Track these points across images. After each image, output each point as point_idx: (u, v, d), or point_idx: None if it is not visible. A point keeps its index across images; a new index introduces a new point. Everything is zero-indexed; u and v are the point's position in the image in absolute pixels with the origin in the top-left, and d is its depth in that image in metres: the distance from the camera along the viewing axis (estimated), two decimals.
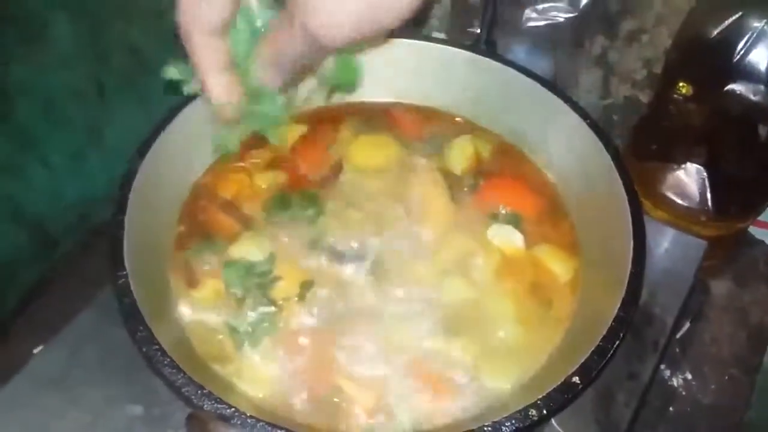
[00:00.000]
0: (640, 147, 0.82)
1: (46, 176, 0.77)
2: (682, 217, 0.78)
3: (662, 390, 0.79)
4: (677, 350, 0.82)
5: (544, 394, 0.47)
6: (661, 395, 0.79)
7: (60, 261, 0.81)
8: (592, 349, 0.49)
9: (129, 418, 0.57)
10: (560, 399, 0.47)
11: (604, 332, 0.50)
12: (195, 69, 0.48)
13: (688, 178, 0.76)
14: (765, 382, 0.88)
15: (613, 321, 0.51)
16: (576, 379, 0.48)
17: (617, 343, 0.50)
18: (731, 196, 0.77)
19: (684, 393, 0.79)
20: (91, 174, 0.82)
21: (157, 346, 0.48)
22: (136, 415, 0.58)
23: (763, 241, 0.91)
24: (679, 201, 0.78)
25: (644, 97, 0.91)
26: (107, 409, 0.58)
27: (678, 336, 0.83)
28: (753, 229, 0.91)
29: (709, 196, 0.76)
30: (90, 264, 0.79)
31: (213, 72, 0.48)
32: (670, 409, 0.78)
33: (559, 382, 0.48)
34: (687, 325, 0.84)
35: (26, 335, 0.74)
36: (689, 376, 0.80)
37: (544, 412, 0.47)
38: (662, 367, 0.80)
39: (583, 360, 0.49)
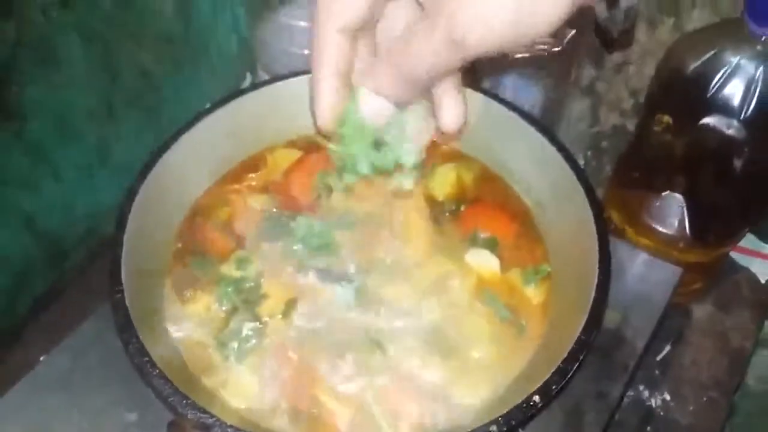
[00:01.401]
0: (624, 175, 0.85)
1: (58, 190, 0.81)
2: (662, 244, 0.81)
3: (640, 410, 0.81)
4: (657, 372, 0.84)
5: (505, 412, 0.50)
6: (639, 415, 0.81)
7: (70, 271, 0.86)
8: (553, 370, 0.52)
9: (125, 424, 0.61)
10: (520, 416, 0.50)
11: (565, 354, 0.53)
12: (312, 70, 0.45)
13: (668, 207, 0.79)
14: (745, 405, 0.91)
15: (575, 344, 0.54)
16: (536, 398, 0.51)
17: (576, 365, 0.53)
18: (709, 224, 0.79)
19: (662, 413, 0.81)
20: (100, 188, 0.86)
21: (147, 358, 0.52)
22: (132, 421, 0.61)
23: (746, 268, 0.93)
24: (660, 228, 0.81)
25: (632, 126, 0.94)
26: (106, 414, 0.61)
27: (658, 358, 0.85)
28: (737, 255, 0.93)
29: (687, 224, 0.79)
30: (97, 274, 0.83)
31: (329, 75, 0.44)
32: (648, 428, 0.80)
33: (520, 401, 0.51)
34: (668, 347, 0.86)
35: (35, 342, 0.78)
36: (668, 397, 0.82)
37: (504, 428, 0.50)
38: (641, 387, 0.83)
39: (544, 380, 0.52)
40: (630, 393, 0.82)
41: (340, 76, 0.44)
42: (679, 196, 0.78)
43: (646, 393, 0.82)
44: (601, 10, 0.56)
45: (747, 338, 0.88)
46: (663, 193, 0.78)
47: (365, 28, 0.45)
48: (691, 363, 0.85)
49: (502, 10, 0.38)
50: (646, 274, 0.73)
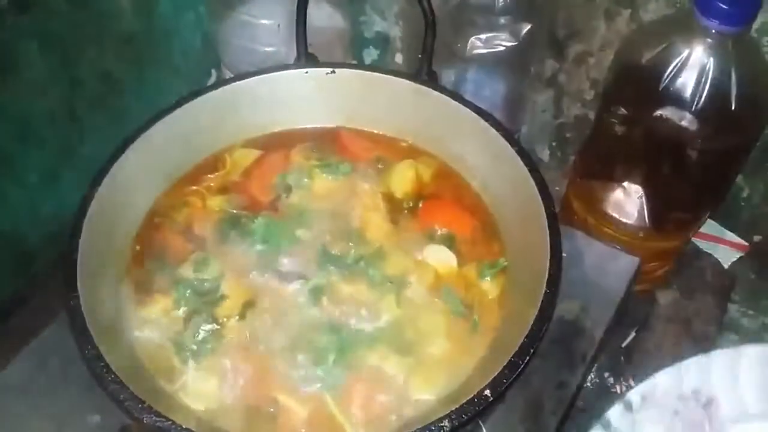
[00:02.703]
0: (584, 166, 0.86)
1: (22, 195, 0.81)
2: (623, 233, 0.82)
3: (605, 396, 0.83)
4: (622, 358, 0.86)
5: (457, 406, 0.51)
6: (604, 401, 0.82)
7: (36, 277, 0.85)
8: (504, 363, 0.53)
9: (88, 427, 0.62)
10: (471, 411, 0.51)
11: (516, 348, 0.54)
12: None
13: (627, 197, 0.80)
14: None
15: (525, 337, 0.55)
16: (487, 392, 0.52)
17: (527, 358, 0.54)
18: (667, 212, 0.80)
19: None
20: (65, 192, 0.85)
21: (103, 364, 0.52)
22: (94, 424, 0.62)
23: (709, 254, 0.95)
24: (620, 218, 0.82)
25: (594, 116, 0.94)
26: (69, 418, 0.62)
27: (623, 345, 0.87)
28: (699, 242, 0.95)
29: (646, 213, 0.80)
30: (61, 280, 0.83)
31: None
32: None
33: (471, 395, 0.52)
34: (633, 334, 0.88)
35: (3, 346, 0.79)
36: (632, 383, 0.83)
37: (456, 423, 0.51)
38: (606, 374, 0.84)
39: (495, 374, 0.53)
40: (595, 380, 0.83)
41: None
42: (637, 186, 0.79)
43: (611, 380, 0.83)
44: None
45: (711, 323, 0.89)
46: (622, 184, 0.80)
47: None
48: (656, 349, 0.87)
49: None
50: (604, 264, 0.74)
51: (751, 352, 0.65)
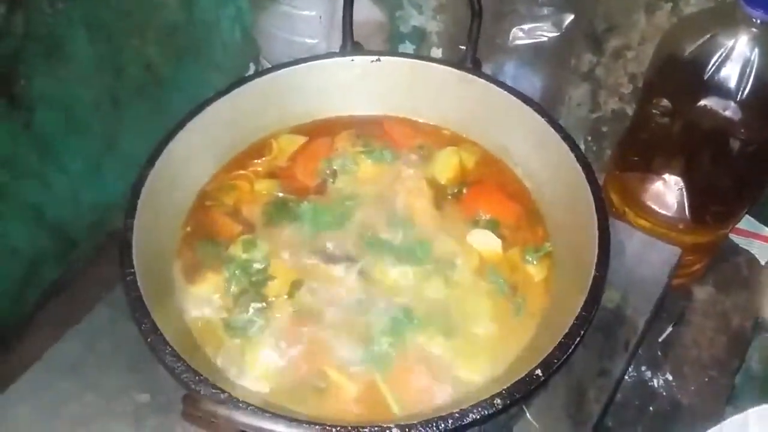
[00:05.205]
0: (623, 159, 0.86)
1: (66, 182, 0.83)
2: (662, 225, 0.82)
3: (643, 390, 0.83)
4: (659, 353, 0.86)
5: (509, 385, 0.52)
6: (642, 395, 0.82)
7: (78, 261, 0.87)
8: (555, 345, 0.54)
9: (137, 405, 0.63)
10: (523, 390, 0.52)
11: (567, 330, 0.54)
12: None
13: (667, 189, 0.80)
14: (748, 387, 0.92)
15: (575, 320, 0.55)
16: (539, 371, 0.52)
17: (578, 340, 0.54)
18: (707, 205, 0.80)
19: (664, 393, 0.83)
20: (106, 180, 0.87)
21: (160, 336, 0.53)
22: (144, 402, 0.63)
23: (745, 250, 0.95)
24: (659, 210, 0.82)
25: (631, 110, 0.95)
26: (118, 396, 0.63)
27: (660, 339, 0.87)
28: (735, 238, 0.94)
29: (686, 205, 0.80)
30: (105, 263, 0.85)
31: None
32: (650, 408, 0.82)
33: (522, 375, 0.52)
34: (669, 329, 0.88)
35: (45, 330, 0.80)
36: (670, 377, 0.84)
37: (508, 401, 0.51)
38: (643, 368, 0.84)
39: (546, 355, 0.53)
40: (633, 373, 0.83)
41: None
42: (677, 178, 0.79)
43: (649, 373, 0.84)
44: None
45: (747, 319, 0.89)
46: (662, 176, 0.80)
47: None
48: (693, 343, 0.87)
49: None
50: (645, 254, 0.74)
51: None
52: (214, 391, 0.51)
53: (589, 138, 1.02)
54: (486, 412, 0.50)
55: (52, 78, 0.77)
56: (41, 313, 0.83)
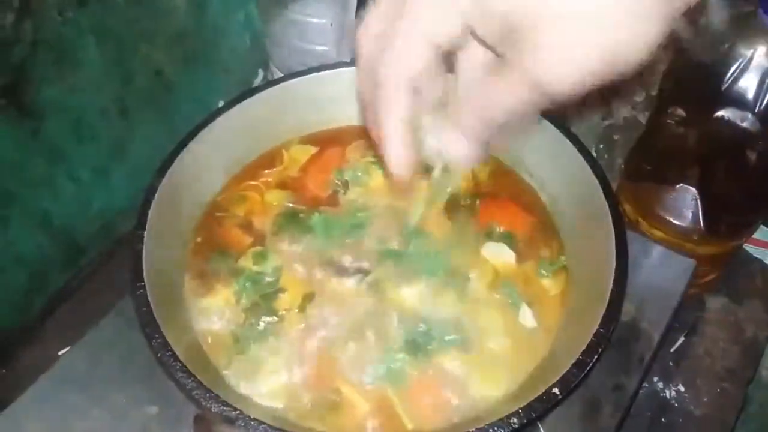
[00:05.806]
0: (636, 168, 0.85)
1: (74, 189, 0.82)
2: (676, 236, 0.81)
3: (655, 401, 0.82)
4: (671, 363, 0.85)
5: (526, 404, 0.51)
6: (654, 406, 0.81)
7: (85, 269, 0.86)
8: (573, 362, 0.53)
9: (146, 418, 0.62)
10: (540, 408, 0.51)
11: (584, 347, 0.53)
12: (376, 123, 0.44)
13: (681, 199, 0.79)
14: (759, 396, 0.91)
15: (593, 336, 0.54)
16: (556, 390, 0.52)
17: (596, 357, 0.53)
18: (722, 216, 0.79)
19: (676, 404, 0.82)
20: (115, 187, 0.86)
21: (170, 352, 0.52)
22: (153, 415, 0.62)
23: (759, 259, 0.94)
24: (673, 220, 0.81)
25: (643, 119, 0.93)
26: (126, 409, 0.62)
27: (672, 349, 0.86)
28: (749, 248, 0.93)
29: (701, 216, 0.79)
30: (113, 272, 0.84)
31: (399, 125, 0.43)
32: (663, 419, 0.81)
33: (540, 393, 0.52)
34: (681, 339, 0.87)
35: (52, 338, 0.79)
36: (682, 388, 0.83)
37: (525, 420, 0.50)
38: (655, 379, 0.83)
39: (563, 372, 0.53)
40: (645, 385, 0.82)
41: (408, 125, 0.43)
42: (692, 189, 0.78)
43: (661, 384, 0.83)
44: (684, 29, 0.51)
45: (760, 329, 0.88)
46: (676, 186, 0.79)
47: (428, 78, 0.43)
48: (705, 354, 0.86)
49: (592, 50, 0.36)
50: (660, 266, 0.73)
51: None
52: (225, 408, 0.50)
53: (601, 146, 1.01)
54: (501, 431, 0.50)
55: (61, 85, 0.76)
56: (47, 322, 0.82)
